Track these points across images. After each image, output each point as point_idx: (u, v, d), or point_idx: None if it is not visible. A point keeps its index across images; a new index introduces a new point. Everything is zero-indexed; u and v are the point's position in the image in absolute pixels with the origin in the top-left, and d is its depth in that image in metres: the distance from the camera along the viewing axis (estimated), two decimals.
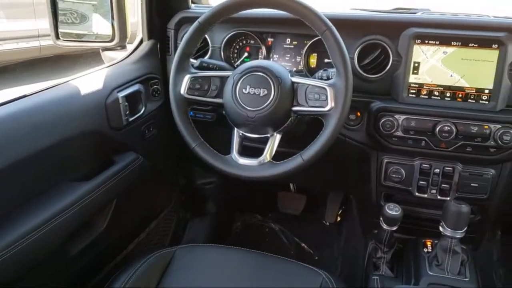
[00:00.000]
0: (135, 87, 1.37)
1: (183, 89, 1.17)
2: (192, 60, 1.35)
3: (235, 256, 1.25)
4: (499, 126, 1.18)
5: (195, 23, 1.16)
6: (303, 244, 2.13)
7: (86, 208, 1.18)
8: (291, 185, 2.24)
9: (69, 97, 1.18)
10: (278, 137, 1.16)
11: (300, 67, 1.40)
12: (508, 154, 1.21)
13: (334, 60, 1.08)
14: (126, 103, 1.31)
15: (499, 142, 1.18)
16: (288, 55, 1.43)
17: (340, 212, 2.21)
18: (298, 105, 1.11)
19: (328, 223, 2.20)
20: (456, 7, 1.57)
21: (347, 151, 1.40)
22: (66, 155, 1.16)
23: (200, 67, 1.29)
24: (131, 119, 1.34)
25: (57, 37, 1.43)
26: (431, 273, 1.25)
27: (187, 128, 1.18)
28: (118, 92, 1.29)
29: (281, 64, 1.42)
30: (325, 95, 1.07)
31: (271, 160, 1.14)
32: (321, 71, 1.24)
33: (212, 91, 1.17)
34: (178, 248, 1.26)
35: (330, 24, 1.07)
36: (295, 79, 1.12)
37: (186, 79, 1.17)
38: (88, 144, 1.23)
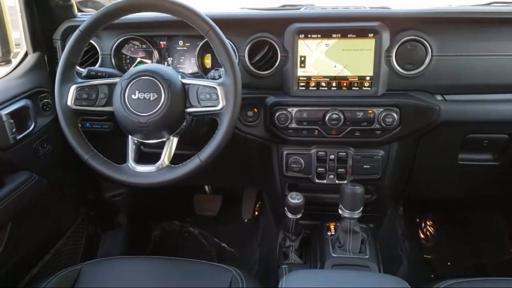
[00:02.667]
0: (21, 103, 1.29)
1: (69, 101, 1.13)
2: (80, 69, 1.32)
3: (145, 265, 1.23)
4: (381, 109, 1.27)
5: (76, 32, 1.13)
6: (223, 244, 2.14)
7: None
8: (206, 187, 2.25)
9: None
10: (175, 140, 1.16)
11: (196, 68, 1.41)
12: (392, 135, 1.30)
13: (220, 59, 1.10)
14: (12, 121, 1.23)
15: (383, 124, 1.27)
16: (183, 57, 1.43)
17: (257, 207, 2.26)
18: (191, 106, 1.12)
19: (246, 220, 2.23)
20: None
21: (250, 146, 1.43)
22: None
23: (88, 76, 1.25)
24: (19, 136, 1.27)
25: None
26: (334, 255, 1.31)
27: (78, 141, 1.14)
28: (1, 109, 1.21)
29: (176, 66, 1.42)
30: (216, 94, 1.09)
31: (169, 164, 1.14)
32: (213, 70, 1.26)
33: (101, 99, 1.15)
34: (84, 264, 1.21)
35: (212, 24, 1.09)
36: (185, 81, 1.13)
37: (72, 89, 1.13)
38: None
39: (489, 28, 1.26)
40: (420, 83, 1.28)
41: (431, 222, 2.16)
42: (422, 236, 2.11)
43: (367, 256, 1.31)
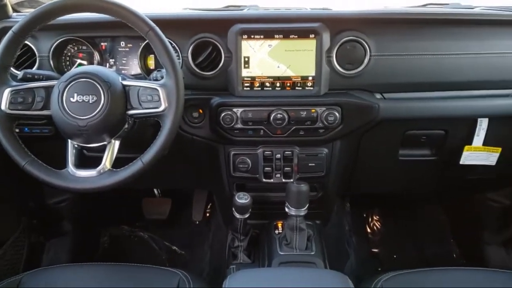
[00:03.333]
0: None
1: (3, 105, 1.08)
2: (15, 71, 1.26)
3: (90, 272, 1.20)
4: (324, 108, 1.30)
5: (9, 33, 1.08)
6: (174, 247, 2.12)
7: None
8: (155, 190, 2.22)
9: None
10: (116, 143, 1.14)
11: (139, 69, 1.39)
12: (335, 133, 1.34)
13: (161, 60, 1.09)
14: None
15: (326, 123, 1.30)
16: (125, 58, 1.40)
17: (208, 208, 2.25)
18: (132, 108, 1.10)
19: (197, 222, 2.22)
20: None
21: (197, 148, 1.42)
22: None
23: (24, 79, 1.20)
24: None
25: None
26: (281, 253, 1.34)
27: (14, 146, 1.09)
28: None
29: (119, 68, 1.39)
30: (157, 95, 1.08)
31: (111, 168, 1.11)
32: (155, 72, 1.24)
33: (38, 103, 1.10)
34: (24, 274, 1.16)
35: (152, 24, 1.07)
36: (126, 82, 1.11)
37: (6, 93, 1.08)
38: None
39: (424, 29, 1.32)
40: (360, 82, 1.32)
41: (377, 217, 2.24)
42: (369, 230, 2.18)
43: (313, 253, 1.33)
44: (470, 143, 1.42)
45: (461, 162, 1.45)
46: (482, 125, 1.38)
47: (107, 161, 1.11)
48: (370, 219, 2.23)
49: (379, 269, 1.99)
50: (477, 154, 1.43)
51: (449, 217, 2.16)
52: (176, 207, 2.24)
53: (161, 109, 1.08)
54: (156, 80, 1.19)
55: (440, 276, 1.21)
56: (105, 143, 1.13)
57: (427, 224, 2.19)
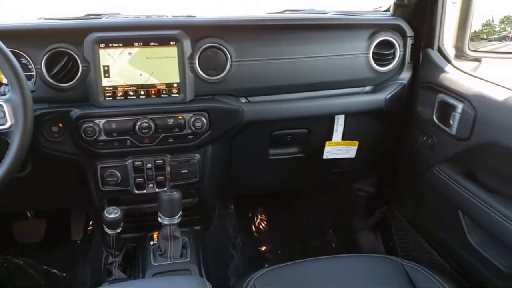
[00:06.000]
0: None
1: None
2: None
3: None
4: (191, 114, 1.30)
5: None
6: (53, 270, 1.98)
7: None
8: (27, 212, 2.06)
9: None
10: None
11: None
12: (204, 138, 1.35)
13: (4, 73, 1.02)
14: None
15: (193, 129, 1.31)
16: None
17: (90, 225, 2.14)
18: None
19: (78, 241, 2.10)
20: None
21: (61, 164, 1.35)
22: None
23: None
24: None
25: None
26: (155, 264, 1.31)
27: None
28: None
29: None
30: (2, 112, 1.01)
31: None
32: (3, 86, 1.15)
33: None
34: None
35: None
36: None
37: None
38: None
39: (281, 34, 1.38)
40: (225, 87, 1.35)
41: (263, 215, 2.30)
42: (254, 229, 2.24)
43: (187, 260, 1.33)
44: (331, 138, 1.52)
45: (324, 157, 1.55)
46: (339, 122, 1.49)
47: None
48: (255, 218, 2.28)
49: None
50: (338, 148, 1.54)
51: (327, 209, 2.29)
52: (52, 228, 2.10)
53: (7, 126, 1.01)
54: (4, 95, 1.10)
55: (311, 266, 1.27)
56: None
57: (309, 217, 2.30)
